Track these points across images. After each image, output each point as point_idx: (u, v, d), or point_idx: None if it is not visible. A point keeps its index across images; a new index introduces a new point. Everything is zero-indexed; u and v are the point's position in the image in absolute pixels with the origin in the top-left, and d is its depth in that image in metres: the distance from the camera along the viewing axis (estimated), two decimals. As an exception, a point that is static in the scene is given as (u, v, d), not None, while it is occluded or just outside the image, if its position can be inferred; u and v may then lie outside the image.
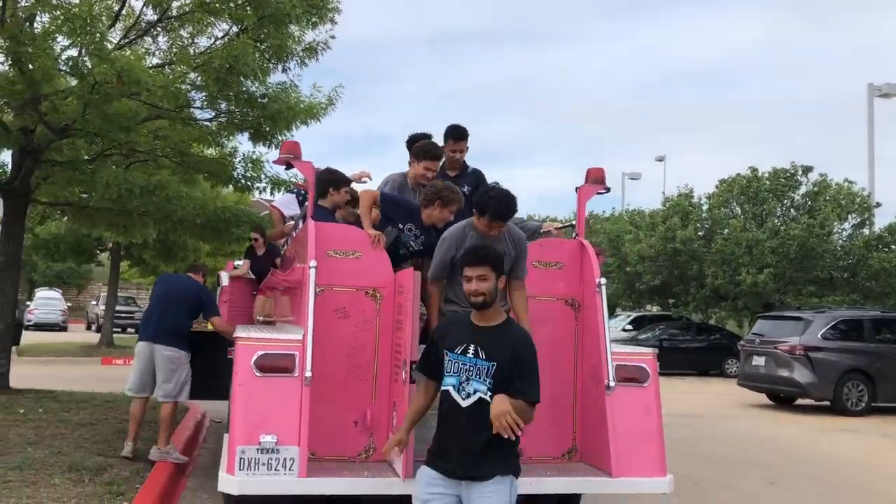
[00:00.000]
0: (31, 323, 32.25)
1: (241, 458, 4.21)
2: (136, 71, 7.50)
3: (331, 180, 5.73)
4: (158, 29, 10.46)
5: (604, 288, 4.97)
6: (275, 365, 4.39)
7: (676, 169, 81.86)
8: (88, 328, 35.16)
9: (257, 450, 4.23)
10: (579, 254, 5.25)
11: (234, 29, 9.03)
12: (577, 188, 5.42)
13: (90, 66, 7.33)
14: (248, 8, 8.47)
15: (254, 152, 11.23)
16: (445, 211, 4.97)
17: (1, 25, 7.52)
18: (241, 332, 4.58)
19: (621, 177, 42.95)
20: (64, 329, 33.88)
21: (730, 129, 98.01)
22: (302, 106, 10.27)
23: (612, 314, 30.23)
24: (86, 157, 10.12)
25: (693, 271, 24.01)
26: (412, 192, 5.49)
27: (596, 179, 5.39)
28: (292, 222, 7.58)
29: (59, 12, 7.25)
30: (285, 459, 4.26)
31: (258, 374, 4.35)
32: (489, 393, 3.34)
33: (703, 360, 23.31)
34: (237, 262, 9.37)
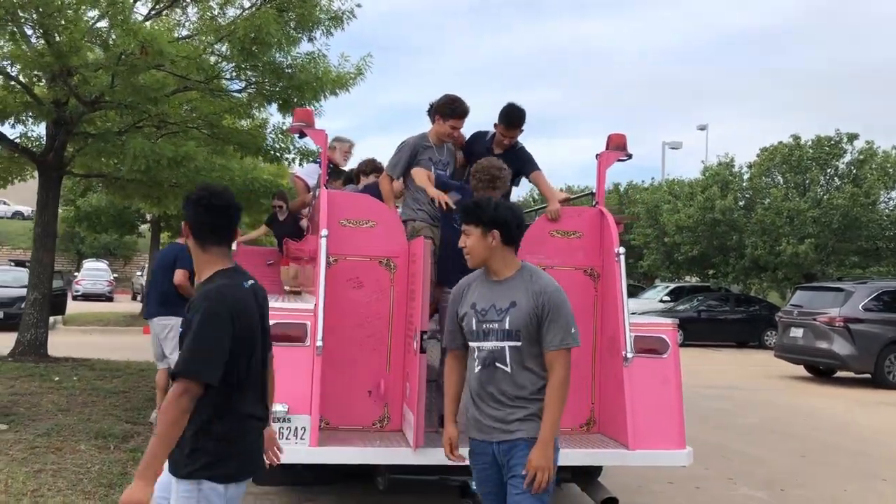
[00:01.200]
0: (78, 293, 33.11)
1: (253, 427, 4.22)
2: (160, 41, 7.52)
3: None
4: (188, 0, 10.48)
5: (622, 257, 4.85)
6: (286, 334, 4.37)
7: (719, 137, 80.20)
8: (134, 298, 35.89)
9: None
10: (598, 223, 5.14)
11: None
12: (597, 155, 5.29)
13: (114, 38, 7.36)
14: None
15: (283, 123, 11.25)
16: (497, 193, 4.79)
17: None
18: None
19: (661, 146, 42.27)
20: (110, 299, 34.63)
21: (774, 96, 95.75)
22: (330, 76, 10.23)
23: (651, 285, 29.93)
24: (116, 130, 10.21)
25: (732, 242, 23.58)
26: (434, 150, 5.17)
27: (617, 146, 5.24)
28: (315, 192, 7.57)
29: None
30: (297, 428, 4.26)
31: (270, 344, 4.34)
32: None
33: (741, 331, 22.99)
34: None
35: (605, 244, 5.07)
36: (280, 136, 11.12)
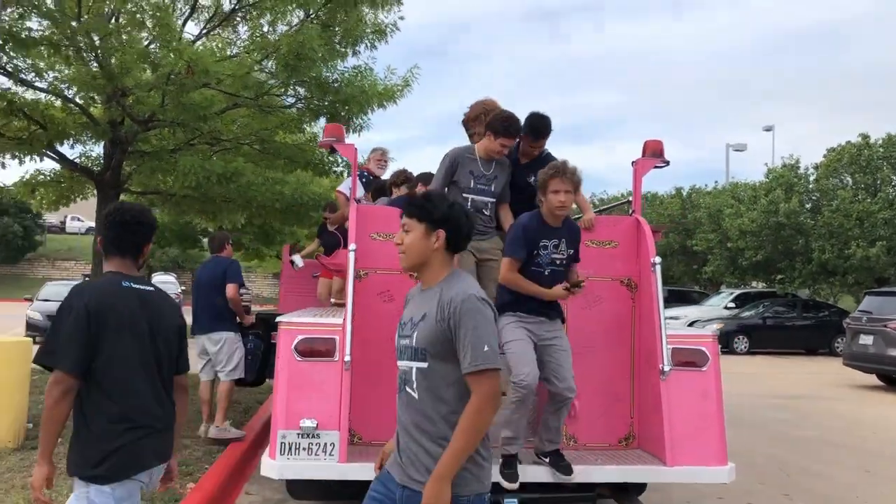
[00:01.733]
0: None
1: (281, 443, 4.23)
2: (205, 61, 7.66)
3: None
4: (238, 19, 10.68)
5: (658, 267, 4.71)
6: (315, 349, 4.37)
7: (786, 139, 77.99)
8: (198, 310, 36.65)
9: (298, 434, 4.23)
10: (635, 232, 5.01)
11: (303, 15, 9.09)
12: (633, 162, 5.16)
13: (160, 58, 7.53)
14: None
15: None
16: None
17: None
18: (283, 317, 4.59)
19: (725, 148, 41.49)
20: (178, 310, 35.38)
21: (843, 95, 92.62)
22: (377, 89, 10.29)
23: (715, 291, 29.21)
24: (171, 148, 10.46)
25: (798, 246, 22.84)
26: (479, 163, 4.88)
27: (654, 152, 5.11)
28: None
29: (129, 5, 7.45)
30: (325, 444, 4.25)
31: (299, 359, 4.35)
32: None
33: (810, 338, 22.29)
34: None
35: (641, 254, 4.94)
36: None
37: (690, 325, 24.24)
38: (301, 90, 10.08)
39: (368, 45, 9.69)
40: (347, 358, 4.31)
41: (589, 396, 4.83)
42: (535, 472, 4.37)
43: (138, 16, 7.37)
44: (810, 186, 24.01)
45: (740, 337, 22.13)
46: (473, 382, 2.51)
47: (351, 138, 11.48)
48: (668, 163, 5.15)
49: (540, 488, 4.38)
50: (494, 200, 4.96)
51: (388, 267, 4.79)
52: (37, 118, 9.25)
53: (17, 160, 9.19)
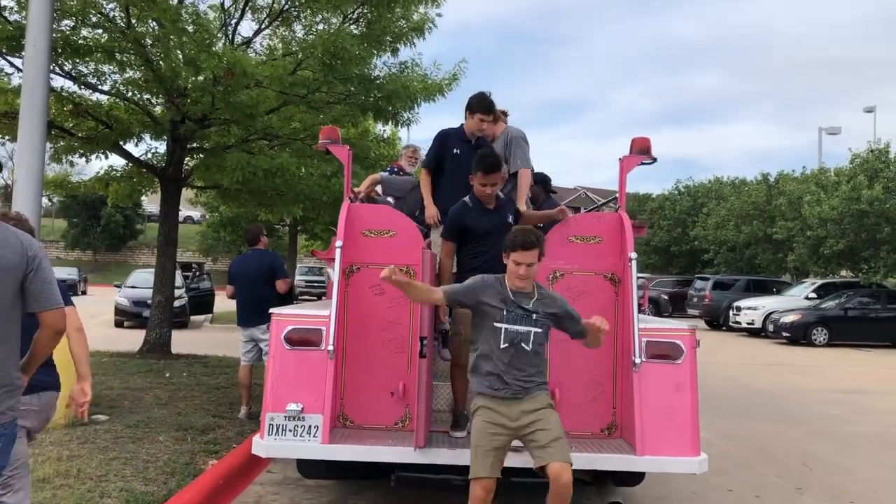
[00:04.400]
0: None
1: (270, 424, 4.58)
2: (243, 63, 8.10)
3: None
4: (293, 18, 11.14)
5: (634, 262, 4.84)
6: (303, 339, 4.70)
7: (891, 122, 73.78)
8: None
9: (285, 417, 4.57)
10: (619, 227, 5.12)
11: (339, 18, 9.45)
12: (620, 159, 5.26)
13: (201, 61, 8.01)
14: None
15: (384, 131, 11.71)
16: None
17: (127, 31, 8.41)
18: (275, 309, 4.94)
19: (818, 132, 39.77)
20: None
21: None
22: (425, 83, 10.58)
23: (799, 281, 28.31)
24: (228, 144, 11.02)
25: (884, 234, 21.91)
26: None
27: (641, 149, 5.21)
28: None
29: (167, 14, 7.94)
30: (310, 426, 4.58)
31: (288, 347, 4.69)
32: None
33: (895, 330, 21.38)
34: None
35: (625, 249, 5.06)
36: (378, 143, 11.57)
37: (767, 316, 23.67)
38: (343, 87, 10.41)
39: (407, 42, 9.96)
40: (331, 347, 4.62)
41: (574, 386, 5.01)
42: (510, 459, 4.57)
43: (176, 23, 7.84)
44: (899, 171, 22.94)
45: (819, 328, 21.44)
46: None
47: (402, 132, 11.83)
48: (655, 160, 5.24)
49: (515, 474, 4.58)
50: None
51: (378, 262, 5.07)
52: (102, 118, 9.94)
53: (83, 158, 9.90)
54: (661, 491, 6.15)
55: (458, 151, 5.45)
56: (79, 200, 46.09)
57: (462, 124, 5.61)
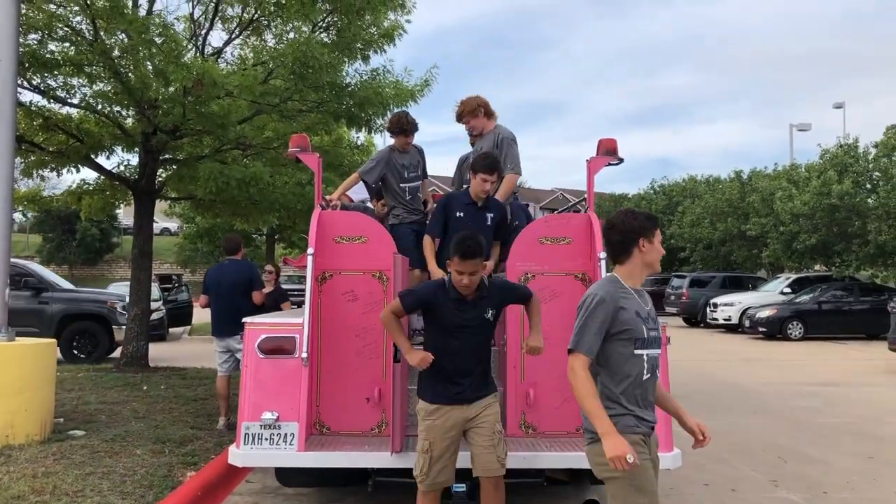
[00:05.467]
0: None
1: (245, 434, 4.59)
2: (212, 74, 8.09)
3: None
4: (249, 31, 11.12)
5: (604, 262, 4.89)
6: (277, 347, 4.72)
7: (860, 116, 74.89)
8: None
9: (260, 425, 4.59)
10: (588, 228, 5.18)
11: (309, 27, 9.47)
12: (587, 160, 5.33)
13: (170, 73, 8.00)
14: (317, 3, 8.85)
15: (357, 138, 11.72)
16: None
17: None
18: (248, 318, 4.95)
19: (788, 128, 40.24)
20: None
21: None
22: (398, 89, 10.62)
23: (774, 276, 28.63)
24: (201, 155, 10.98)
25: (854, 228, 22.23)
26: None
27: (608, 150, 5.27)
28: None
29: (134, 25, 7.92)
30: (286, 434, 4.59)
31: (262, 356, 4.71)
32: None
33: (869, 322, 21.65)
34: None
35: (595, 249, 5.12)
36: (352, 150, 11.59)
37: (744, 311, 23.94)
38: (315, 95, 10.42)
39: (378, 49, 10.00)
40: (304, 355, 4.64)
41: (548, 386, 5.06)
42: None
43: (143, 35, 7.83)
44: (869, 166, 23.29)
45: (794, 323, 21.71)
46: None
47: (377, 138, 11.85)
48: (621, 160, 5.31)
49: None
50: None
51: (351, 268, 5.11)
52: (72, 132, 9.88)
53: (55, 172, 9.84)
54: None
55: (462, 214, 5.41)
56: (53, 215, 45.62)
57: (467, 188, 5.63)
